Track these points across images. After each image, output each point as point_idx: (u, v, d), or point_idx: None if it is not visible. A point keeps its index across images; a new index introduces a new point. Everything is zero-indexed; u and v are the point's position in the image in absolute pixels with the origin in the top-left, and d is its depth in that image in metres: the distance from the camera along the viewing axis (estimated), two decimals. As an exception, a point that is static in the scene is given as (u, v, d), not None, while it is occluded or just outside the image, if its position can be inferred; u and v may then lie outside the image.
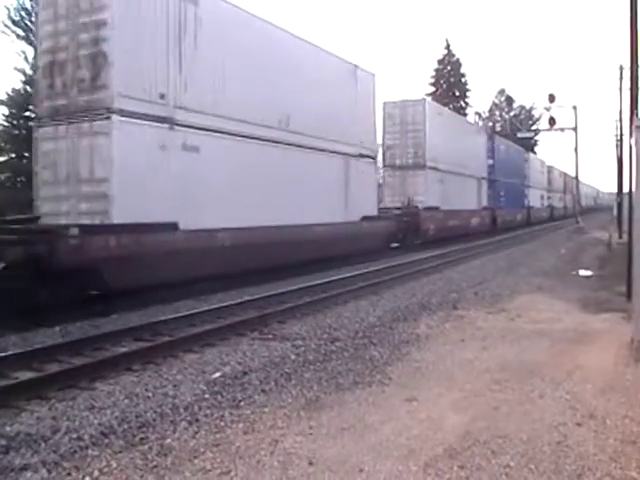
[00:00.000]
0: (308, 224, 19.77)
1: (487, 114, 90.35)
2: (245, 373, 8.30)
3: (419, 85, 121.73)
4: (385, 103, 31.37)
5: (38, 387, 7.66)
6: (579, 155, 57.10)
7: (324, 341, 10.20)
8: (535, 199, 60.65)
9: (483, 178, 41.43)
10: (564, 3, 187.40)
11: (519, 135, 61.46)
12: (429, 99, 34.22)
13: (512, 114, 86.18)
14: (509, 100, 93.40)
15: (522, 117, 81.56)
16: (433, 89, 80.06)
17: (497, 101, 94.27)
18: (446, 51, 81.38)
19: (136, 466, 5.39)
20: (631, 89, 14.55)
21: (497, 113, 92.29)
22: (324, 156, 21.80)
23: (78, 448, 5.76)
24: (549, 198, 69.20)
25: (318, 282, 16.76)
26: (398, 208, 29.59)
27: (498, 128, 73.80)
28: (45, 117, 14.42)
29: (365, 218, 24.50)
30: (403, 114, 31.26)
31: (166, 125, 14.72)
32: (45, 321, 11.24)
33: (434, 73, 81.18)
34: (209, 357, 9.31)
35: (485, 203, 41.47)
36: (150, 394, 7.46)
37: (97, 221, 13.31)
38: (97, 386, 7.90)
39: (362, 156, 24.69)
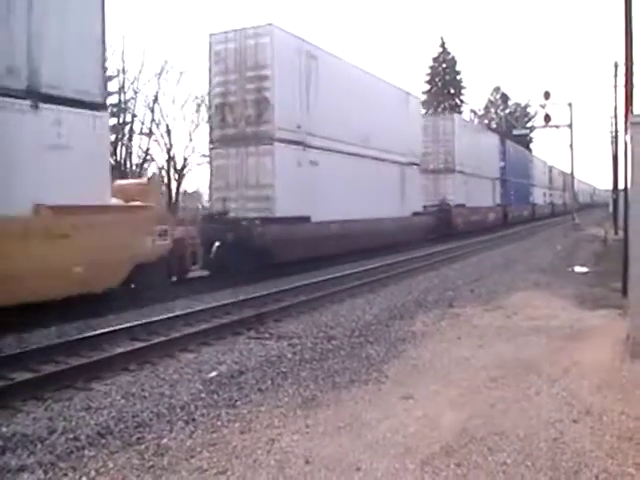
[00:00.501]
0: (380, 218, 25.68)
1: (482, 111, 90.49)
2: (241, 372, 8.29)
3: (414, 82, 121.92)
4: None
5: (34, 387, 7.65)
6: (574, 152, 57.96)
7: (320, 340, 10.20)
8: (539, 197, 66.04)
9: (497, 179, 46.78)
10: (559, 0, 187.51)
11: (514, 132, 61.34)
12: (456, 115, 39.09)
13: (507, 111, 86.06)
14: (504, 97, 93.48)
15: (517, 114, 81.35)
16: (428, 87, 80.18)
17: (492, 98, 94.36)
18: (441, 49, 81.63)
19: (133, 466, 5.39)
20: (626, 86, 14.57)
21: (492, 110, 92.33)
22: (388, 165, 27.67)
23: (75, 448, 5.76)
24: (550, 195, 73.90)
25: (313, 280, 16.78)
26: (434, 206, 34.72)
27: (493, 125, 73.92)
28: (217, 142, 20.18)
29: (414, 213, 30.57)
30: (435, 126, 36.75)
31: (300, 147, 20.64)
32: (41, 321, 11.23)
33: (429, 71, 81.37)
34: (205, 356, 9.30)
35: (498, 201, 46.85)
36: (146, 394, 7.45)
37: (263, 216, 18.87)
38: (93, 386, 7.90)
39: (412, 164, 30.52)
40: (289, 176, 19.59)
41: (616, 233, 28.98)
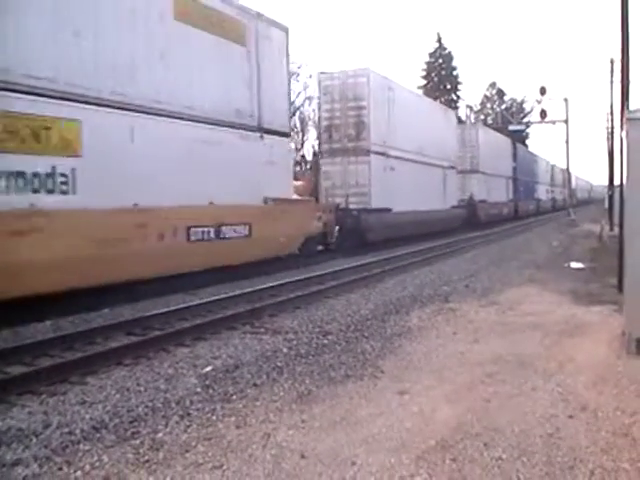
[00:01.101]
0: (433, 210, 32.99)
1: (478, 107, 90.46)
2: (237, 367, 8.29)
3: (410, 78, 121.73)
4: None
5: (29, 382, 7.63)
6: (571, 148, 58.93)
7: (316, 334, 10.20)
8: (542, 193, 72.15)
9: (509, 177, 53.43)
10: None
11: (510, 128, 61.51)
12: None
13: (503, 107, 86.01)
14: (500, 93, 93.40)
15: (513, 110, 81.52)
16: (424, 82, 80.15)
17: (488, 94, 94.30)
18: (437, 44, 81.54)
19: (128, 461, 5.37)
20: (622, 82, 14.59)
21: (488, 106, 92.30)
22: (435, 168, 34.31)
23: (69, 443, 5.74)
24: (552, 192, 78.60)
25: (309, 275, 16.80)
26: (463, 200, 40.99)
27: (489, 121, 73.92)
28: (326, 153, 27.20)
29: (452, 207, 37.59)
30: (463, 134, 42.76)
31: (384, 157, 27.59)
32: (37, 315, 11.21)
33: (425, 66, 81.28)
34: (201, 351, 9.29)
35: (511, 197, 53.70)
36: (142, 388, 7.44)
37: (362, 207, 25.73)
38: (88, 381, 7.87)
39: (450, 167, 37.25)
40: (378, 178, 26.68)
41: (612, 229, 29.00)
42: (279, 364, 8.42)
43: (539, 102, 55.47)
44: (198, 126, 15.44)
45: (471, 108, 67.89)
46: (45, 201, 11.27)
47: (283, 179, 19.48)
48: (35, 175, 11.21)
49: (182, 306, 12.27)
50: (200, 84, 15.74)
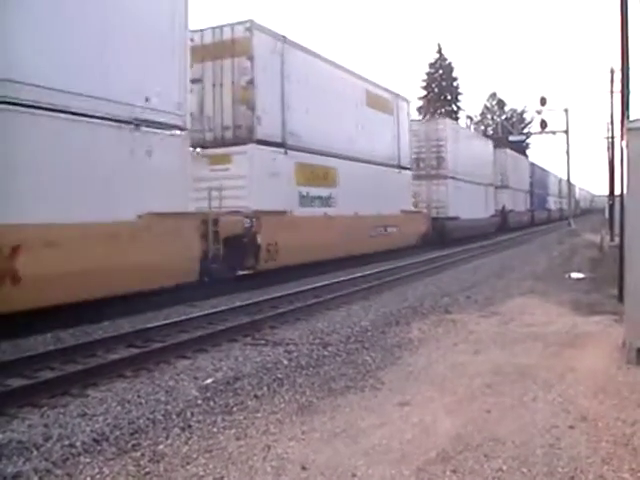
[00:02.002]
0: (482, 217, 42.90)
1: (479, 118, 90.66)
2: (237, 379, 8.28)
3: (411, 88, 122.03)
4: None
5: (30, 394, 7.63)
6: (571, 158, 60.48)
7: (316, 346, 10.20)
8: (552, 203, 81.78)
9: (527, 191, 62.93)
10: (555, 7, 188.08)
11: (511, 138, 61.63)
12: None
13: (504, 117, 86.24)
14: (501, 103, 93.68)
15: (514, 120, 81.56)
16: (425, 92, 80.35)
17: (489, 104, 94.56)
18: (438, 55, 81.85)
19: (128, 473, 5.38)
20: (622, 92, 14.63)
21: (489, 116, 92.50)
22: (481, 186, 43.21)
23: (70, 455, 5.74)
24: (560, 202, 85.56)
25: (309, 287, 16.80)
26: (497, 210, 48.38)
27: (490, 132, 74.01)
28: (415, 177, 33.07)
29: (491, 215, 46.07)
30: (495, 157, 49.44)
31: (454, 180, 36.05)
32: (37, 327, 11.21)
33: (426, 77, 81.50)
34: (201, 363, 9.29)
35: (529, 207, 63.45)
36: (142, 400, 7.44)
37: (443, 216, 34.54)
38: (89, 393, 7.87)
39: (489, 184, 45.84)
40: (452, 195, 35.97)
41: (612, 239, 28.97)
42: (280, 375, 8.41)
43: (539, 112, 55.64)
44: (372, 167, 26.11)
45: (471, 119, 68.21)
46: (327, 210, 22.14)
47: (409, 197, 31.45)
48: (324, 197, 22.16)
49: (183, 318, 12.26)
50: (376, 142, 26.87)
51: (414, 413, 6.77)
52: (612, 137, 35.63)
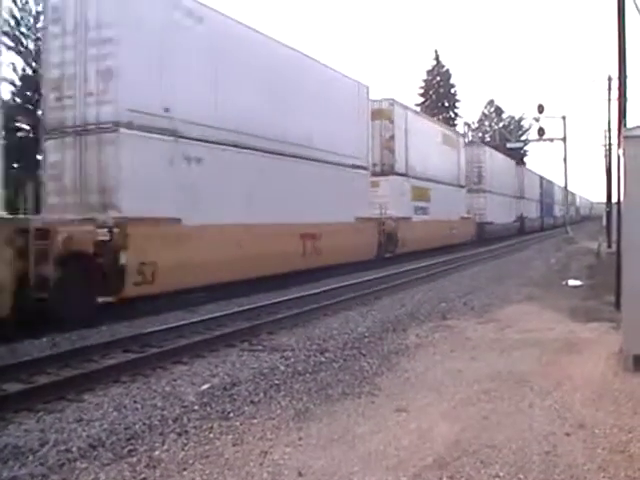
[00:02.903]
0: (508, 222, 53.74)
1: (476, 125, 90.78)
2: (234, 384, 8.27)
3: (408, 95, 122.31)
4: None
5: (26, 399, 7.62)
6: (569, 165, 63.52)
7: (313, 352, 10.19)
8: (557, 211, 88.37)
9: (538, 200, 72.98)
10: (553, 14, 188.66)
11: (508, 145, 61.79)
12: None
13: (501, 124, 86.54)
14: (498, 111, 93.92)
15: (511, 127, 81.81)
16: (422, 99, 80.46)
17: (486, 112, 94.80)
18: (435, 62, 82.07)
19: (125, 478, 5.36)
20: (619, 99, 14.66)
21: (486, 124, 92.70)
22: (507, 197, 53.74)
23: (66, 460, 5.72)
24: (563, 209, 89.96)
25: (307, 293, 16.80)
26: (516, 216, 58.95)
27: (487, 139, 74.14)
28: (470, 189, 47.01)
29: (513, 221, 56.44)
30: (517, 173, 60.10)
31: (491, 193, 48.88)
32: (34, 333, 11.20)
33: (423, 84, 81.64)
34: (198, 368, 9.28)
35: (539, 214, 73.55)
36: (139, 406, 7.43)
37: (484, 221, 46.09)
38: (85, 398, 7.86)
39: (513, 196, 56.37)
40: (490, 205, 46.84)
41: (609, 246, 29.00)
42: (277, 382, 8.40)
43: (537, 120, 55.97)
44: (446, 186, 37.66)
45: (469, 126, 68.34)
46: (425, 217, 33.24)
47: (464, 206, 42.47)
48: (424, 208, 33.58)
49: (180, 323, 12.27)
50: (447, 168, 38.53)
51: (411, 419, 6.77)
52: (609, 145, 35.71)
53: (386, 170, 29.67)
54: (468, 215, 43.08)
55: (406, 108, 32.91)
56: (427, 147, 34.62)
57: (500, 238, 47.24)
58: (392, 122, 29.92)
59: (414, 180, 32.10)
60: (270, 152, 19.10)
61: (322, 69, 23.37)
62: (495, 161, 50.58)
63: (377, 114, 28.75)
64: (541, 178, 75.84)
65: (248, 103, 17.94)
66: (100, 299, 13.08)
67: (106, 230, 13.18)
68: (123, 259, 13.31)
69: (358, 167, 25.60)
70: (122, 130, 13.97)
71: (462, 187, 42.42)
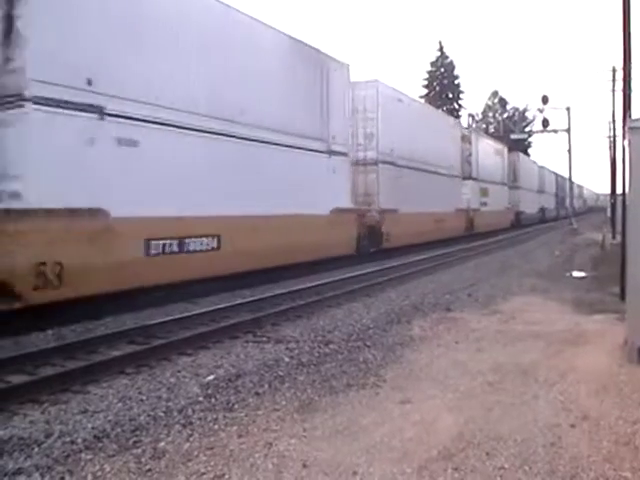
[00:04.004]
0: (533, 212, 63.99)
1: (480, 116, 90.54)
2: (239, 376, 8.28)
3: (412, 86, 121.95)
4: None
5: (31, 390, 7.63)
6: (573, 156, 66.79)
7: (318, 344, 10.20)
8: (568, 202, 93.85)
9: (554, 194, 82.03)
10: (558, 5, 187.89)
11: (512, 137, 61.69)
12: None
13: (505, 116, 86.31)
14: (502, 102, 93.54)
15: (515, 119, 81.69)
16: (426, 91, 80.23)
17: (490, 103, 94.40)
18: (439, 53, 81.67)
19: (130, 470, 5.37)
20: (624, 90, 14.61)
21: (490, 115, 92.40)
22: (532, 191, 63.69)
23: (71, 452, 5.74)
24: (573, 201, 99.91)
25: (311, 284, 16.79)
26: (539, 208, 69.34)
27: (491, 130, 74.03)
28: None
29: (536, 211, 66.08)
30: (539, 172, 70.97)
31: (526, 190, 61.90)
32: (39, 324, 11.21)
33: (427, 75, 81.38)
34: (203, 360, 9.29)
35: (555, 205, 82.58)
36: (144, 397, 7.44)
37: (518, 210, 57.23)
38: (90, 389, 7.88)
39: (536, 190, 66.12)
40: (523, 198, 57.50)
41: (614, 237, 28.96)
42: (281, 373, 8.41)
43: (541, 111, 55.74)
44: (497, 185, 49.40)
45: (473, 117, 68.24)
46: (485, 208, 44.04)
47: (507, 200, 50.65)
48: (485, 202, 43.66)
49: (184, 315, 12.26)
50: (497, 171, 48.79)
51: (415, 411, 6.77)
52: (614, 136, 35.64)
53: (466, 176, 40.15)
54: (509, 206, 54.07)
55: (477, 132, 49.27)
56: (487, 158, 45.71)
57: (530, 225, 58.91)
58: (470, 143, 41.62)
59: (480, 183, 43.51)
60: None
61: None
62: (525, 163, 63.11)
63: (463, 139, 40.28)
64: (556, 175, 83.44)
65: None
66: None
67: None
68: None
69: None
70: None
71: (505, 185, 52.94)
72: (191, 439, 6.07)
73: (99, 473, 5.32)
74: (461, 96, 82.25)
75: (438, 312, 12.95)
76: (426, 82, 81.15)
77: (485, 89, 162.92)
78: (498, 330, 11.00)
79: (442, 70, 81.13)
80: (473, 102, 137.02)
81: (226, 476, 5.24)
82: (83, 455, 5.68)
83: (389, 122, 26.21)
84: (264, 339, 10.70)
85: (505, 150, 53.90)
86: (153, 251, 13.56)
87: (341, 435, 6.10)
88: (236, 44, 16.76)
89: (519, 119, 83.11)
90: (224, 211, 15.66)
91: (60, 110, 11.75)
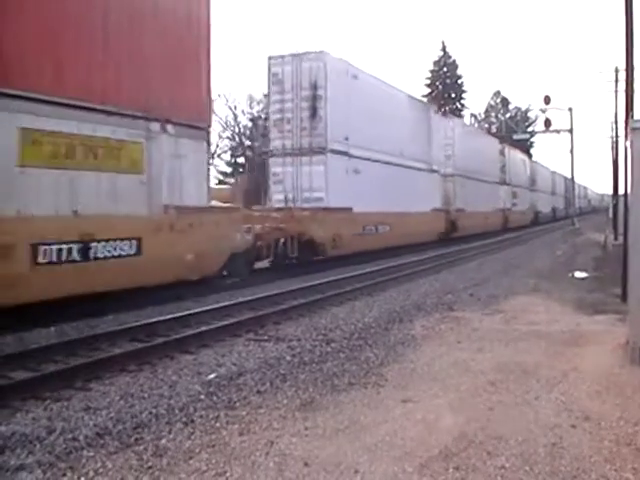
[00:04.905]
0: (547, 211, 73.64)
1: (483, 116, 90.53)
2: (240, 374, 8.29)
3: (415, 86, 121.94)
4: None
5: (33, 387, 7.65)
6: (576, 157, 70.03)
7: (319, 342, 10.20)
8: (577, 202, 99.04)
9: (564, 195, 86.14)
10: (560, 5, 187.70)
11: (515, 137, 61.71)
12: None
13: (508, 116, 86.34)
14: (505, 102, 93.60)
15: (518, 119, 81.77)
16: (429, 90, 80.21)
17: (493, 103, 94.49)
18: (442, 52, 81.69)
19: (131, 467, 5.38)
20: (626, 91, 14.59)
21: (493, 115, 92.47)
22: (546, 194, 73.06)
23: (73, 449, 5.75)
24: (580, 202, 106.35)
25: (312, 283, 16.80)
26: (552, 208, 77.82)
27: (494, 130, 74.01)
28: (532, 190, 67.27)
29: (550, 211, 75.28)
30: (552, 177, 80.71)
31: (546, 194, 76.44)
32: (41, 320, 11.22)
33: (430, 74, 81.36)
34: (204, 358, 9.30)
35: (564, 206, 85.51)
36: (145, 395, 7.46)
37: (536, 210, 67.22)
38: (92, 386, 7.90)
39: (550, 193, 77.10)
40: (541, 199, 68.49)
41: (616, 238, 28.94)
42: (282, 372, 8.42)
43: (543, 111, 55.86)
44: (523, 189, 59.74)
45: (475, 117, 68.25)
46: (514, 208, 54.58)
47: (529, 201, 62.91)
48: (514, 203, 54.75)
49: (186, 313, 12.25)
50: (523, 179, 60.38)
51: (417, 410, 6.77)
52: (616, 136, 35.59)
53: (502, 182, 50.04)
54: (530, 206, 62.39)
55: (510, 146, 56.33)
56: (515, 166, 55.87)
57: (547, 222, 67.86)
58: (504, 155, 51.59)
59: (512, 187, 53.25)
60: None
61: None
62: (541, 169, 71.96)
63: (500, 152, 50.73)
64: (566, 179, 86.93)
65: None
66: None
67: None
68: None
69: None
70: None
71: (527, 189, 61.76)
72: (192, 437, 6.08)
73: (101, 470, 5.33)
74: (463, 96, 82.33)
75: (440, 311, 12.95)
76: (429, 81, 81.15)
77: (487, 89, 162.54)
78: (500, 330, 11.00)
79: (445, 70, 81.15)
80: (475, 102, 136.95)
81: (227, 474, 5.24)
82: (85, 452, 5.70)
83: (461, 147, 37.96)
84: (266, 337, 10.71)
85: (527, 159, 64.76)
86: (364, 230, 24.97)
87: (342, 434, 6.11)
88: (402, 112, 29.57)
89: (521, 119, 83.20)
90: (393, 209, 26.52)
91: (337, 155, 23.09)
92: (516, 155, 58.88)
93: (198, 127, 14.94)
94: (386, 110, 26.68)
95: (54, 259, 10.93)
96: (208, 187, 15.79)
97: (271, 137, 23.59)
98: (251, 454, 5.61)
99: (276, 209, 21.61)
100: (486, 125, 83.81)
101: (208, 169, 16.01)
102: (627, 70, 14.64)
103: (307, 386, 7.75)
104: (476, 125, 62.82)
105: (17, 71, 10.58)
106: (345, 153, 23.35)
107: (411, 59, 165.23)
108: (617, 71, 33.77)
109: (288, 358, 9.17)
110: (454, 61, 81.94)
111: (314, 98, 22.27)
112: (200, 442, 5.93)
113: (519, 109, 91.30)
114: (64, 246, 11.09)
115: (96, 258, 11.76)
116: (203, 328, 11.23)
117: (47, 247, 10.78)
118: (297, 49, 23.48)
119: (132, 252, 12.48)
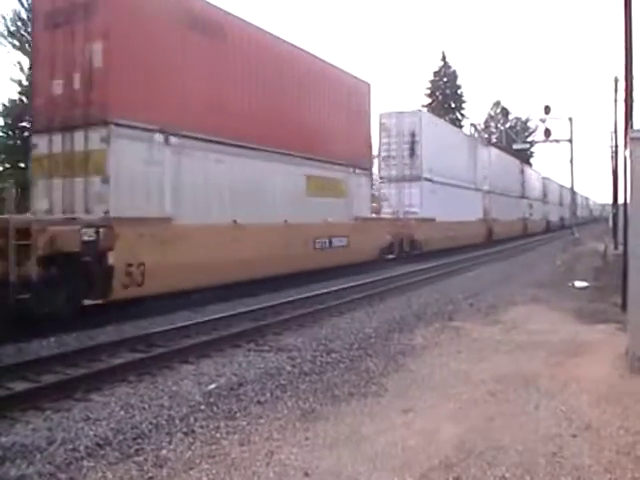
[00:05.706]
0: (556, 220, 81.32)
1: (483, 126, 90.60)
2: (241, 384, 8.29)
3: (415, 96, 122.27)
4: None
5: (34, 398, 7.66)
6: (575, 166, 72.81)
7: (320, 352, 10.20)
8: (583, 214, 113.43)
9: (569, 206, 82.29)
10: (560, 16, 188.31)
11: (515, 147, 61.72)
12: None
13: (508, 126, 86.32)
14: (505, 112, 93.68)
15: (518, 129, 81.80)
16: (429, 100, 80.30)
17: (493, 113, 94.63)
18: (442, 62, 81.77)
19: (132, 477, 5.39)
20: (626, 100, 14.62)
21: (492, 125, 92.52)
22: (557, 205, 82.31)
23: (73, 459, 5.76)
24: (583, 212, 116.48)
25: (312, 293, 16.80)
26: (560, 217, 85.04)
27: (494, 140, 74.06)
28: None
29: (558, 220, 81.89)
30: (562, 191, 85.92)
31: (561, 206, 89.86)
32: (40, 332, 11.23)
33: (430, 84, 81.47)
34: (205, 368, 9.30)
35: (569, 215, 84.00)
36: (146, 405, 7.45)
37: (548, 219, 78.29)
38: (92, 397, 7.90)
39: (559, 204, 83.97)
40: (552, 210, 78.04)
41: (616, 247, 28.94)
42: (283, 382, 8.42)
43: (543, 121, 55.83)
44: (537, 202, 67.78)
45: (475, 127, 68.31)
46: (530, 217, 62.43)
47: (542, 212, 70.38)
48: (532, 213, 63.48)
49: (186, 323, 12.27)
50: (537, 193, 67.80)
51: (417, 420, 6.78)
52: (616, 146, 35.63)
53: (521, 196, 57.57)
54: (543, 216, 70.69)
55: (526, 165, 65.68)
56: (531, 182, 63.70)
57: (556, 230, 75.18)
58: (523, 173, 59.59)
59: (529, 200, 60.95)
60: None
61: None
62: (551, 183, 78.79)
63: (521, 171, 58.98)
64: (572, 191, 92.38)
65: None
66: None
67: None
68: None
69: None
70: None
71: (541, 201, 68.87)
72: (193, 447, 6.08)
73: (101, 480, 5.33)
74: (463, 106, 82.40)
75: (440, 321, 12.94)
76: (429, 91, 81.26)
77: (487, 99, 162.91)
78: (500, 340, 11.00)
79: (445, 80, 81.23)
80: (475, 112, 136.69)
81: (228, 484, 5.24)
82: (85, 462, 5.70)
83: (494, 169, 45.85)
84: (266, 348, 10.71)
85: (540, 175, 72.83)
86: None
87: (343, 444, 6.11)
88: (461, 146, 39.81)
89: (521, 129, 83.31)
90: (456, 218, 35.31)
91: (427, 182, 32.02)
92: (532, 172, 68.41)
93: (365, 168, 25.82)
94: (451, 146, 36.61)
95: (318, 247, 20.99)
96: (370, 205, 27.55)
97: (381, 168, 33.54)
98: (251, 464, 5.62)
99: (395, 219, 30.28)
100: (486, 135, 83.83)
101: (370, 193, 27.67)
102: (626, 80, 14.67)
103: (307, 396, 7.75)
104: (476, 135, 62.48)
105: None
106: (430, 180, 32.69)
107: (412, 69, 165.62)
108: (617, 81, 33.75)
109: (288, 368, 9.17)
110: (454, 71, 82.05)
111: (413, 142, 31.97)
112: (200, 452, 5.94)
113: (519, 119, 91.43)
114: (324, 239, 21.29)
115: (332, 247, 21.83)
116: (203, 338, 11.22)
117: (318, 240, 20.93)
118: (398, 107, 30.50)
119: (343, 244, 22.58)
